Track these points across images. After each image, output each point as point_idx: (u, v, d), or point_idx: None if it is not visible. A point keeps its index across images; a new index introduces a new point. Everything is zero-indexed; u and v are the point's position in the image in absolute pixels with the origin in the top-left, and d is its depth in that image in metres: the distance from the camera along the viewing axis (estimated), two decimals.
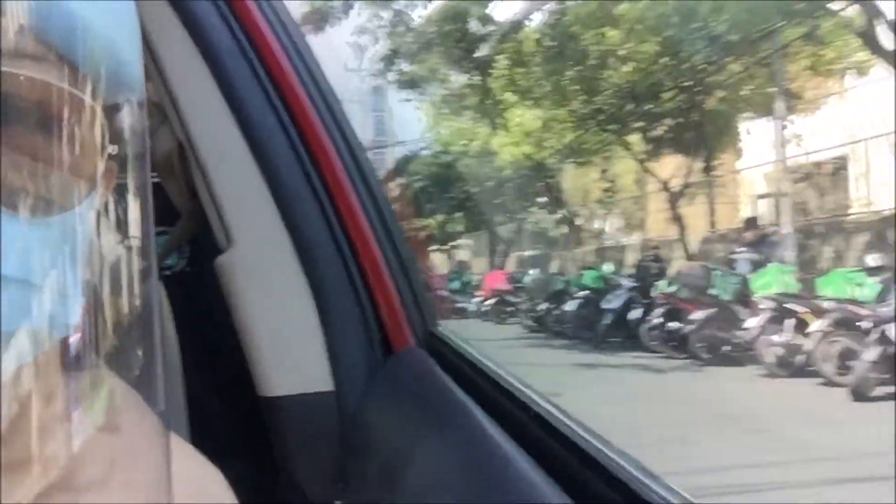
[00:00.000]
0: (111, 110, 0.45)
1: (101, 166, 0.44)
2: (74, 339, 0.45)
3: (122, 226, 0.47)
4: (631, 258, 16.01)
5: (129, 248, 0.46)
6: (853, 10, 11.18)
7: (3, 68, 0.39)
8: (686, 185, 15.01)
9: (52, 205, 0.41)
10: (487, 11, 12.27)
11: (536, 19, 12.80)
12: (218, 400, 1.28)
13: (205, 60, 0.97)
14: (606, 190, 18.38)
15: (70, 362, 0.46)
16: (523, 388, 0.73)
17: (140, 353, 0.51)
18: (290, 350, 0.94)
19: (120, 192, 0.48)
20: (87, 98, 0.42)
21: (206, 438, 0.72)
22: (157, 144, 1.05)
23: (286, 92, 0.98)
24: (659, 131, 15.09)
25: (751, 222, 11.50)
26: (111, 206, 0.46)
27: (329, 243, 0.96)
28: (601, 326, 11.33)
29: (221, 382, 1.22)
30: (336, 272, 0.96)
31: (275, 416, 0.94)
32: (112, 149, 0.45)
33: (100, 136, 0.44)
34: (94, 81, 0.43)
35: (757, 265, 10.26)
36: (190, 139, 0.97)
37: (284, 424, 0.93)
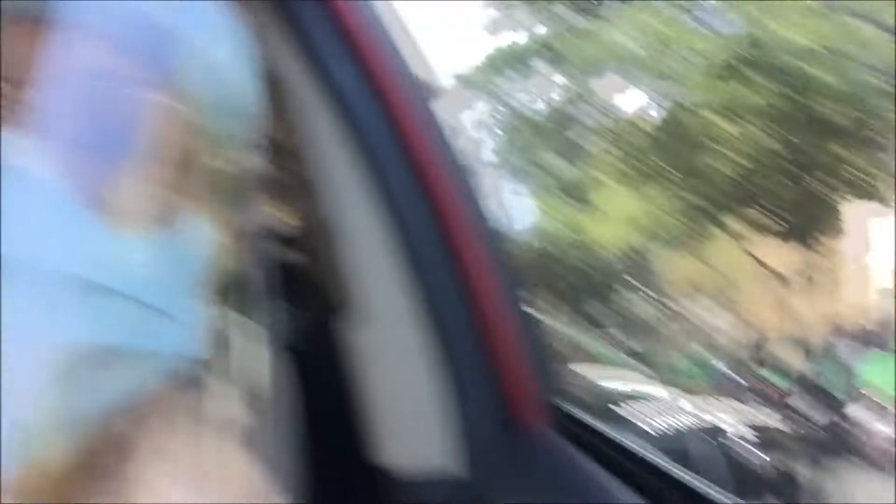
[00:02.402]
0: (224, 138, 0.45)
1: (205, 187, 0.44)
2: (198, 373, 0.45)
3: (246, 284, 0.46)
4: (735, 347, 15.43)
5: (249, 310, 0.46)
6: None
7: (117, 92, 0.39)
8: (795, 274, 14.47)
9: (159, 221, 0.41)
10: (602, 100, 12.42)
11: (644, 107, 12.86)
12: (338, 470, 1.28)
13: (341, 132, 1.00)
14: (711, 277, 17.89)
15: (192, 398, 0.45)
16: (672, 466, 0.70)
17: (256, 417, 0.50)
18: (414, 423, 0.94)
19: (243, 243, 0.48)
20: (194, 118, 0.43)
21: None
22: (298, 218, 1.09)
23: (423, 164, 1.00)
24: (767, 219, 14.69)
25: (870, 313, 10.92)
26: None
27: (458, 315, 0.96)
28: None
29: (342, 452, 1.22)
30: (464, 345, 0.96)
31: (394, 489, 0.93)
32: (220, 165, 0.44)
33: (207, 158, 0.44)
34: (203, 106, 0.43)
35: (872, 357, 9.72)
36: (331, 214, 1.00)
37: (403, 498, 0.93)
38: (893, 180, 12.92)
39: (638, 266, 17.39)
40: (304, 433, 1.06)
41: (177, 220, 0.42)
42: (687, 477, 0.70)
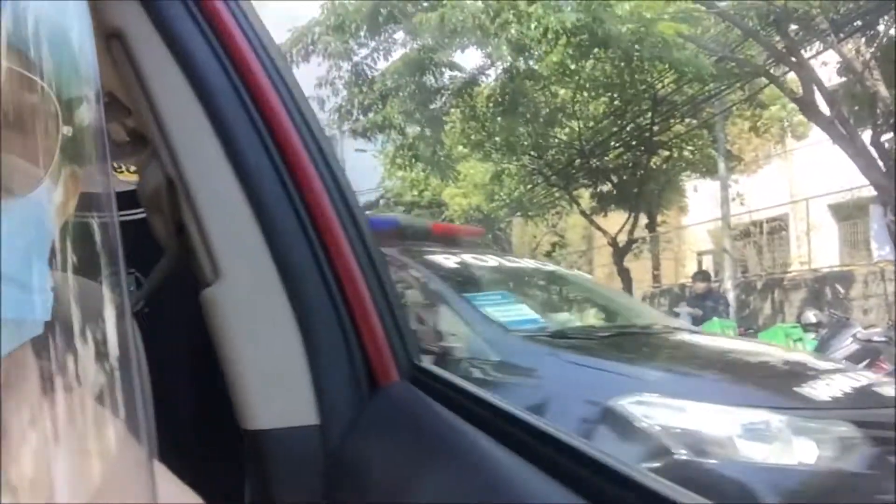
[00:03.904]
0: (68, 102, 0.45)
1: (55, 152, 0.43)
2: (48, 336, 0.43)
3: (92, 250, 0.46)
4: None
5: (99, 271, 0.45)
6: (792, 77, 11.67)
7: None
8: (631, 241, 15.30)
9: (5, 189, 0.40)
10: (450, 60, 12.44)
11: (491, 75, 13.06)
12: (193, 432, 1.27)
13: (197, 97, 0.99)
14: (554, 243, 18.63)
15: (47, 364, 0.44)
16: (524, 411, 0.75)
17: (120, 383, 0.50)
18: (275, 383, 0.95)
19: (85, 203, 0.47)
20: (36, 79, 0.42)
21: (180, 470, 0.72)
22: (147, 180, 1.06)
23: (276, 128, 1.00)
24: (605, 187, 15.40)
25: (701, 275, 11.73)
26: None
27: (316, 278, 0.97)
28: None
29: (196, 415, 1.21)
30: (322, 307, 0.97)
31: (258, 448, 0.94)
32: (66, 130, 0.44)
33: (53, 120, 0.43)
34: (44, 68, 0.42)
35: (699, 320, 10.45)
36: (181, 174, 0.98)
37: (268, 457, 0.94)
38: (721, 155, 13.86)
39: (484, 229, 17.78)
40: (160, 394, 1.05)
41: (20, 185, 0.41)
42: (532, 418, 0.76)
